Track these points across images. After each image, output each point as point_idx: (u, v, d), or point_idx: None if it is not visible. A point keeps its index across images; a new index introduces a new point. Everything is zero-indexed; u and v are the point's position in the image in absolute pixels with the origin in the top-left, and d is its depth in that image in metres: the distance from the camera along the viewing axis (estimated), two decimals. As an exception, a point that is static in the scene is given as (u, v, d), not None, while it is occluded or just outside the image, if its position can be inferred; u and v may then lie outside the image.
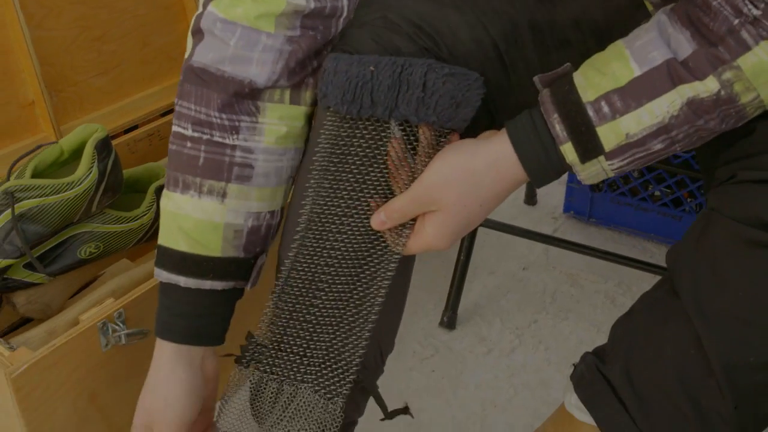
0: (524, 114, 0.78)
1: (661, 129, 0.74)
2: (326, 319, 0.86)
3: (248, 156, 0.84)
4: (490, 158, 0.79)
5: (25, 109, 1.31)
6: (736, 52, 0.71)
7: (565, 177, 1.67)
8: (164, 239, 0.87)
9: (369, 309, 0.86)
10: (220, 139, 0.84)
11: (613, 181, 1.62)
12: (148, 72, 1.46)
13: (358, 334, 0.86)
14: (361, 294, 0.86)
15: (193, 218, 0.85)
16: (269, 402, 0.90)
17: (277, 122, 0.85)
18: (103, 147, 1.10)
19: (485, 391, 1.31)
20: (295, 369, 0.88)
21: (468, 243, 1.41)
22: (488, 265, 1.57)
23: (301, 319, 0.87)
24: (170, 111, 1.48)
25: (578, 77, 0.76)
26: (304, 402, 0.88)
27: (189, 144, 0.84)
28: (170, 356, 0.89)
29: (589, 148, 0.75)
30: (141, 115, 1.44)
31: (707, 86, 0.72)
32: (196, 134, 0.84)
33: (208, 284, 0.87)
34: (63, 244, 1.12)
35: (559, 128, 0.76)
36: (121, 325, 1.05)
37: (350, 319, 0.86)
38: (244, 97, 0.83)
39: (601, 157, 0.76)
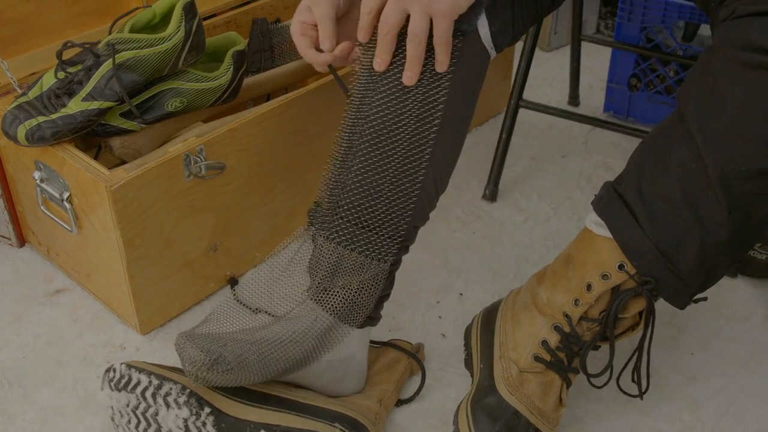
0: None
1: None
2: (383, 179, 1.01)
3: None
4: None
5: (119, -8, 1.49)
6: None
7: (605, 78, 1.79)
8: None
9: (418, 164, 1.01)
10: None
11: (649, 80, 1.74)
12: (227, -33, 1.63)
13: (409, 193, 1.02)
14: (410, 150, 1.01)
15: None
16: (326, 263, 1.05)
17: None
18: (190, 9, 1.27)
19: (520, 249, 1.46)
20: (351, 234, 1.03)
21: (509, 123, 1.55)
22: (530, 153, 1.71)
23: (361, 183, 1.01)
24: (245, 3, 1.65)
25: None
26: (356, 263, 1.03)
27: None
28: None
29: None
30: (219, 5, 1.60)
31: None
32: None
33: None
34: (154, 98, 1.30)
35: None
36: (201, 158, 1.23)
37: (402, 177, 1.01)
38: None
39: None
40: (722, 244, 0.98)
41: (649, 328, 1.07)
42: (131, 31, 1.27)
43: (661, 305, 1.07)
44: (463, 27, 0.98)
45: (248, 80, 1.48)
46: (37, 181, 1.27)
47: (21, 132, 1.21)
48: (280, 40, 1.54)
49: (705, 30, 1.70)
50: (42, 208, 1.30)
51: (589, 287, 1.05)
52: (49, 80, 1.27)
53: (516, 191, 1.59)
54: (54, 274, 1.40)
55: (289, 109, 1.34)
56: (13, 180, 1.37)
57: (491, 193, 1.57)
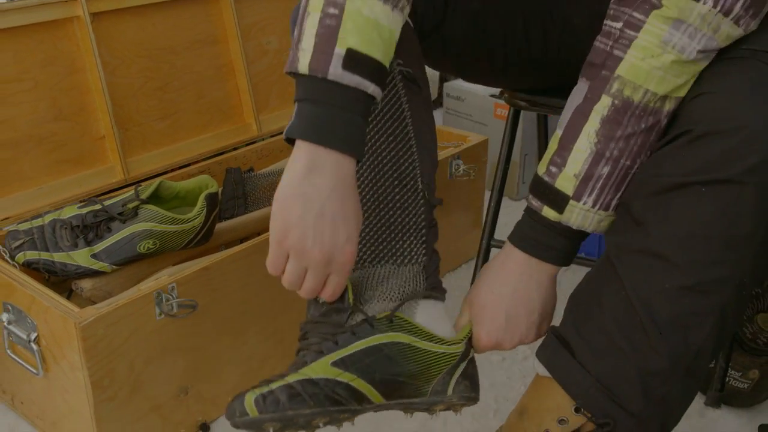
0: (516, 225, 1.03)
1: (596, 156, 0.93)
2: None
3: None
4: (501, 260, 1.04)
5: (96, 142, 1.52)
6: (613, 67, 0.92)
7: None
8: (361, 45, 0.87)
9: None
10: None
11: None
12: (202, 120, 1.68)
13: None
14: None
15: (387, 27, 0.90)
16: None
17: None
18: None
19: (499, 388, 1.43)
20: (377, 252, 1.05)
21: (482, 263, 1.56)
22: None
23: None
24: (219, 154, 1.69)
25: (538, 168, 1.00)
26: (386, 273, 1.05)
27: None
28: (344, 171, 0.91)
29: (558, 200, 0.96)
30: (193, 156, 1.64)
31: (603, 103, 0.92)
32: None
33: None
34: (126, 239, 1.31)
35: (534, 202, 0.98)
36: (173, 296, 1.21)
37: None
38: None
39: (572, 201, 0.95)
40: (664, 372, 0.91)
41: None
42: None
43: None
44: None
45: (222, 225, 1.49)
46: (5, 324, 1.24)
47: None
48: (253, 188, 1.56)
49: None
50: (8, 351, 1.27)
51: None
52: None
53: (492, 332, 1.58)
54: (16, 424, 1.35)
55: (264, 248, 1.34)
56: (-20, 327, 1.35)
57: (467, 334, 1.55)
